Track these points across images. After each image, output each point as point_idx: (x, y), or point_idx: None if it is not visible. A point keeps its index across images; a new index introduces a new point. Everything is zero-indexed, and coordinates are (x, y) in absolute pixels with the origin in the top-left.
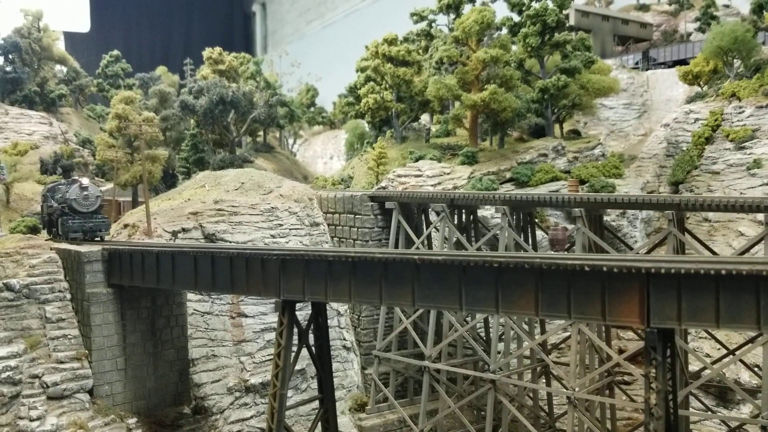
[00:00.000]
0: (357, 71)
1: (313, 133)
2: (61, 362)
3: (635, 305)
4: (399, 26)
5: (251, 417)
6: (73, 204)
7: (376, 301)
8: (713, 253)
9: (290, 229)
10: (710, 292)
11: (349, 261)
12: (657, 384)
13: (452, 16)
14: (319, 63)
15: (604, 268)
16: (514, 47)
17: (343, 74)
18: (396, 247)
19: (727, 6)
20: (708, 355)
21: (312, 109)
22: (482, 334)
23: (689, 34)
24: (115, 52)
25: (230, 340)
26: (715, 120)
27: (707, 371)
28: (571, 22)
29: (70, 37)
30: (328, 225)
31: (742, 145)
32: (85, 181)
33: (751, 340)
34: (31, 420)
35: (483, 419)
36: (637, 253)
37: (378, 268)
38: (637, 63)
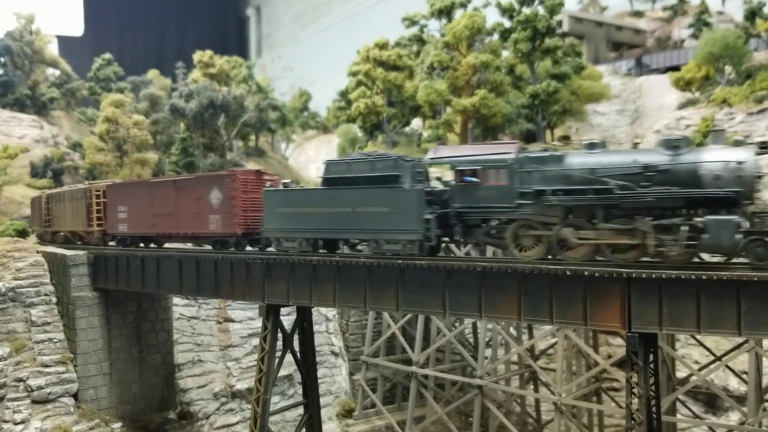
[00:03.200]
0: (348, 75)
1: (307, 138)
2: (46, 366)
3: (616, 310)
4: (395, 31)
5: (237, 423)
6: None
7: (360, 305)
8: (700, 259)
9: None
10: (691, 297)
11: (334, 265)
12: (639, 389)
13: (444, 21)
14: (314, 67)
15: (586, 273)
16: (504, 53)
17: (337, 79)
18: None
19: (720, 13)
20: (697, 362)
21: (305, 113)
22: (471, 340)
23: (683, 41)
24: (107, 55)
25: (217, 345)
26: (707, 126)
27: (694, 377)
28: (565, 28)
29: (64, 41)
30: None
31: None
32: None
33: (737, 347)
34: (15, 423)
35: (470, 425)
36: None
37: (363, 272)
38: (630, 69)
